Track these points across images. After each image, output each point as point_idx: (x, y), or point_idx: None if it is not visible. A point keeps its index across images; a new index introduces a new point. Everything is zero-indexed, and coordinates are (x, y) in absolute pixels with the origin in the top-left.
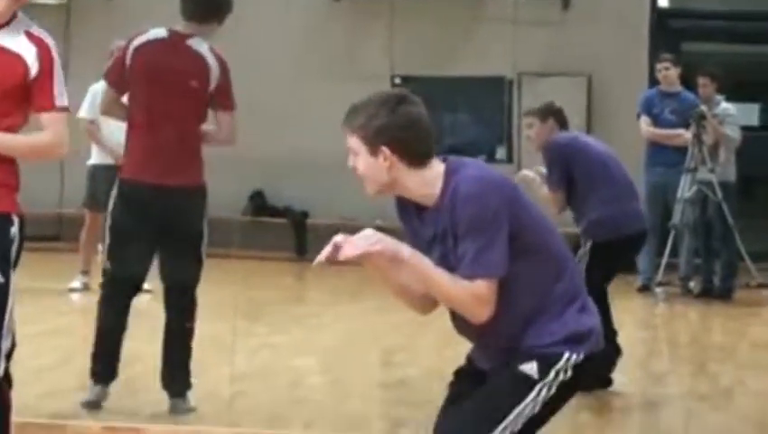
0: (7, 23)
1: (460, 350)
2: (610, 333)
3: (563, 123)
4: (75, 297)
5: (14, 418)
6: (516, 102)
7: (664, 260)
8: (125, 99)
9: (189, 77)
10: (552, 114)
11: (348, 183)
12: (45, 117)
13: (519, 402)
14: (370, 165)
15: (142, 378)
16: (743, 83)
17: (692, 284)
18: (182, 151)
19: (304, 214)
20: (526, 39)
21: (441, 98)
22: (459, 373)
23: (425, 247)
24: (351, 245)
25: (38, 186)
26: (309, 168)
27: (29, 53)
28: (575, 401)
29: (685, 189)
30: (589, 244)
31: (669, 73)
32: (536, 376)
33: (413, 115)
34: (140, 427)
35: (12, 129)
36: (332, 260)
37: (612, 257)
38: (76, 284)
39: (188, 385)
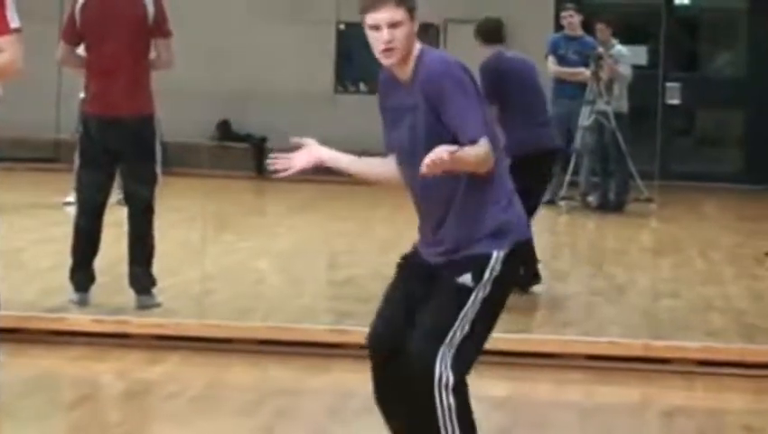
0: None
1: (398, 253)
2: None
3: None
4: (69, 210)
5: (19, 311)
6: (442, 46)
7: (567, 178)
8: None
9: (129, 20)
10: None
11: (299, 111)
12: (2, 40)
13: (461, 309)
14: (411, 34)
15: (127, 278)
16: (633, 28)
17: (590, 198)
18: (130, 85)
19: (263, 139)
20: None
21: None
22: (407, 260)
23: (396, 115)
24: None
25: (38, 116)
26: (266, 100)
27: None
28: None
29: (585, 118)
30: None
31: (573, 20)
32: (471, 284)
33: None
34: (126, 319)
35: None
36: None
37: (527, 171)
38: (70, 199)
39: (151, 283)
